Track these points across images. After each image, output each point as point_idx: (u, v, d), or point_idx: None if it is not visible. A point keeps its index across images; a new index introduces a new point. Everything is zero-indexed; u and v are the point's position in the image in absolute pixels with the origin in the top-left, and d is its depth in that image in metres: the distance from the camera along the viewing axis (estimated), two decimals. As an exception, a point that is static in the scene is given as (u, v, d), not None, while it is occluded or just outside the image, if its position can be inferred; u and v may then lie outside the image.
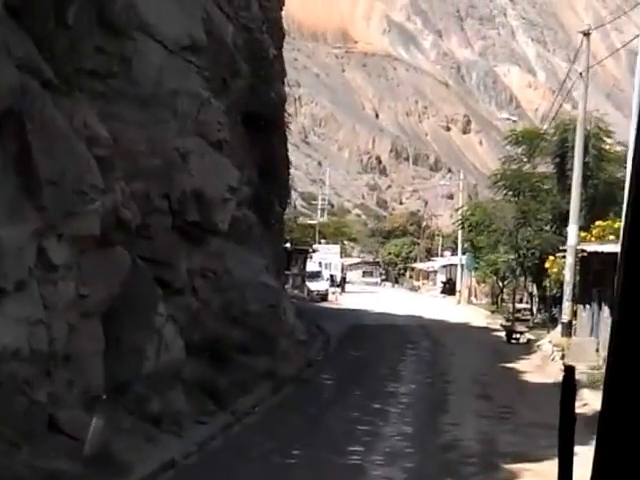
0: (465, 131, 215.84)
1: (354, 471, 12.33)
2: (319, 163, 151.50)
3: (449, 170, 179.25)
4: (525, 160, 38.36)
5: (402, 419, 16.47)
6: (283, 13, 33.53)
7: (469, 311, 48.61)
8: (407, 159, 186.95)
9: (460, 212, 47.29)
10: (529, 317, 38.73)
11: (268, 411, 17.30)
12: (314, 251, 61.53)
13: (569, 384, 2.04)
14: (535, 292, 40.04)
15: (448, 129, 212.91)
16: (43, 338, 12.07)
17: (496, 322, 38.17)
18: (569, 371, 2.08)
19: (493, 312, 45.44)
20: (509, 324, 32.89)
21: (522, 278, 41.00)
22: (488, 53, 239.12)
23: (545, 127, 38.63)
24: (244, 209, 24.53)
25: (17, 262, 11.61)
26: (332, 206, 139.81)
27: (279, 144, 29.02)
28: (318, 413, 16.80)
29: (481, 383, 21.04)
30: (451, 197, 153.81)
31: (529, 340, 30.49)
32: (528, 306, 41.16)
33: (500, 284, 46.81)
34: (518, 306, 40.31)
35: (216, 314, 20.81)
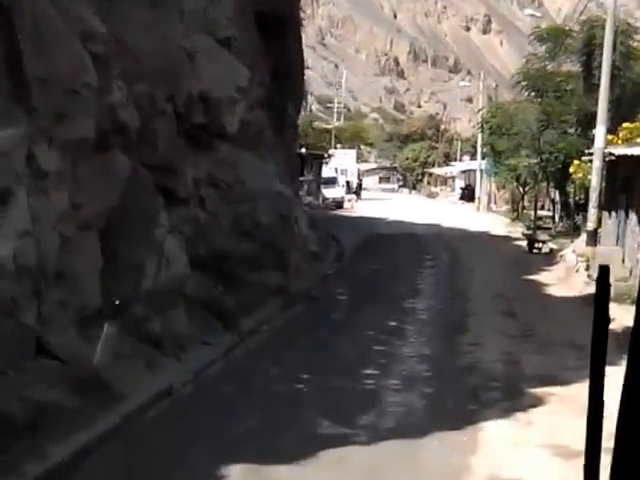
0: (485, 31, 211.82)
1: (368, 398, 11.43)
2: (336, 66, 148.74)
3: (469, 72, 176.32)
4: (549, 59, 36.58)
5: (419, 338, 15.55)
6: None
7: (489, 219, 47.40)
8: (425, 61, 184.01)
9: (480, 114, 45.53)
10: (551, 225, 37.60)
11: (276, 331, 16.43)
12: (329, 156, 60.10)
13: (603, 285, 1.89)
14: (558, 199, 38.66)
15: (468, 29, 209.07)
16: (31, 253, 11.08)
17: (517, 230, 37.06)
18: (604, 271, 1.93)
19: (513, 220, 44.27)
20: (531, 233, 31.81)
21: (544, 184, 39.67)
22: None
23: (571, 25, 36.75)
24: (255, 112, 23.30)
25: (3, 169, 10.57)
26: (349, 110, 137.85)
27: (293, 45, 27.51)
28: (330, 333, 15.91)
29: (503, 298, 20.04)
30: (470, 100, 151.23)
31: (552, 250, 29.42)
32: (550, 214, 39.85)
33: (521, 190, 45.43)
34: (540, 213, 39.00)
35: (225, 227, 19.81)
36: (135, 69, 14.83)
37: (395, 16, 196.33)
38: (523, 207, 45.60)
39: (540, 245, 29.53)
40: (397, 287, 21.11)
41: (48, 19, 11.02)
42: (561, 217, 37.98)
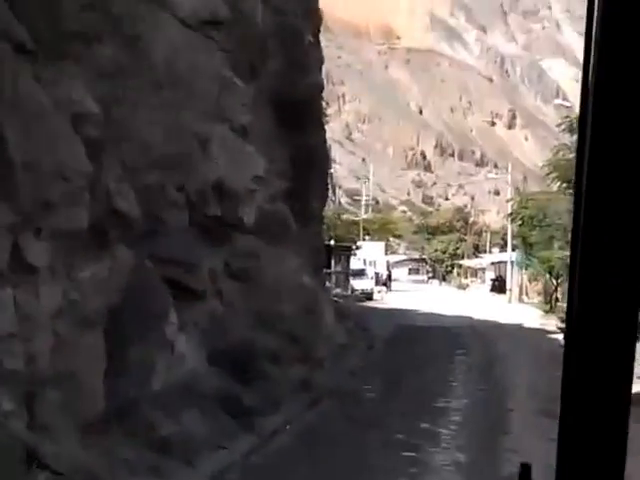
0: (510, 126, 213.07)
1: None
2: (363, 160, 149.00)
3: (495, 166, 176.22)
4: None
5: (454, 442, 14.06)
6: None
7: (521, 311, 45.74)
8: (452, 155, 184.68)
9: (510, 205, 44.47)
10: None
11: (301, 431, 15.01)
12: (357, 248, 58.97)
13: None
14: None
15: (493, 124, 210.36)
16: (19, 355, 9.91)
17: (550, 323, 35.45)
18: (525, 470, 1.69)
19: (547, 312, 42.61)
20: (567, 326, 30.21)
21: None
22: (533, 47, 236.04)
23: None
24: (277, 203, 22.30)
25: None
26: (377, 203, 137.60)
27: (316, 135, 26.62)
28: (357, 435, 14.47)
29: (543, 397, 18.47)
30: (498, 193, 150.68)
31: (589, 343, 27.79)
32: None
33: (554, 282, 43.87)
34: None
35: (245, 320, 18.58)
36: (141, 155, 13.87)
37: (421, 112, 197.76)
38: (556, 299, 43.94)
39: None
40: (429, 383, 19.64)
41: (33, 99, 9.97)
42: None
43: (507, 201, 53.12)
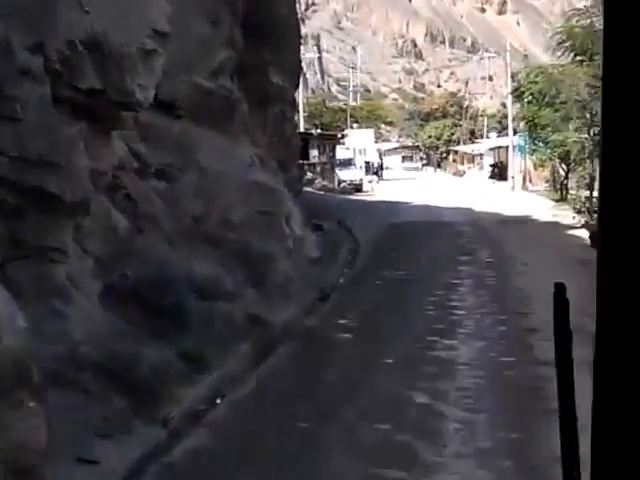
0: (501, 12, 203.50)
1: None
2: (353, 48, 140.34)
3: (487, 51, 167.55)
4: (597, 14, 28.49)
5: (467, 429, 8.25)
6: None
7: (528, 200, 39.24)
8: (443, 42, 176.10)
9: (517, 79, 37.01)
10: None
11: (236, 411, 9.25)
12: (343, 136, 52.24)
13: (561, 302, 1.63)
14: None
15: (483, 10, 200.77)
16: None
17: (565, 215, 29.43)
18: (560, 289, 1.62)
19: (558, 202, 36.30)
20: (594, 223, 24.09)
21: (588, 160, 31.55)
22: None
23: None
24: (221, 79, 15.89)
25: None
26: (368, 91, 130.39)
27: None
28: (319, 418, 8.67)
29: (584, 330, 12.58)
30: (491, 78, 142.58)
31: (621, 243, 21.73)
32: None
33: (564, 168, 37.26)
34: (587, 194, 31.09)
35: (167, 234, 12.53)
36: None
37: (410, 0, 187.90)
38: (566, 187, 37.41)
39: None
40: (426, 312, 13.72)
41: None
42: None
43: (511, 76, 45.91)
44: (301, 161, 27.84)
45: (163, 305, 10.84)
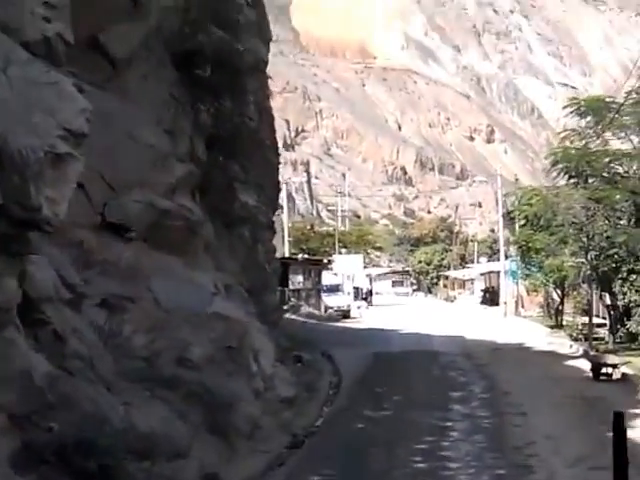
0: (489, 140, 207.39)
1: None
2: (343, 175, 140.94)
3: (475, 179, 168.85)
4: (592, 135, 27.25)
5: None
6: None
7: (521, 327, 37.30)
8: (432, 169, 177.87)
9: (510, 201, 35.36)
10: (605, 336, 27.84)
11: None
12: (330, 262, 50.58)
13: (619, 431, 1.95)
14: (608, 301, 28.47)
15: (472, 139, 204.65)
16: None
17: (562, 343, 27.50)
18: (618, 417, 1.91)
19: (553, 328, 34.33)
20: (596, 354, 22.09)
21: (585, 285, 29.75)
22: (507, 66, 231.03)
23: (622, 97, 27.15)
24: (181, 197, 14.16)
25: None
26: (359, 217, 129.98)
27: (246, 105, 18.07)
28: None
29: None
30: (480, 205, 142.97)
31: (625, 375, 19.77)
32: (601, 321, 29.51)
33: (559, 293, 35.39)
34: (584, 321, 29.21)
35: (105, 377, 10.53)
36: None
37: (400, 127, 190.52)
38: (561, 312, 35.44)
39: (609, 370, 19.80)
40: (415, 469, 11.59)
41: None
42: (616, 325, 27.73)
43: (504, 195, 44.41)
44: (281, 287, 26.01)
45: (89, 468, 8.78)
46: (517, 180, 73.35)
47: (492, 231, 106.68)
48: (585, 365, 21.06)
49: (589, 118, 27.48)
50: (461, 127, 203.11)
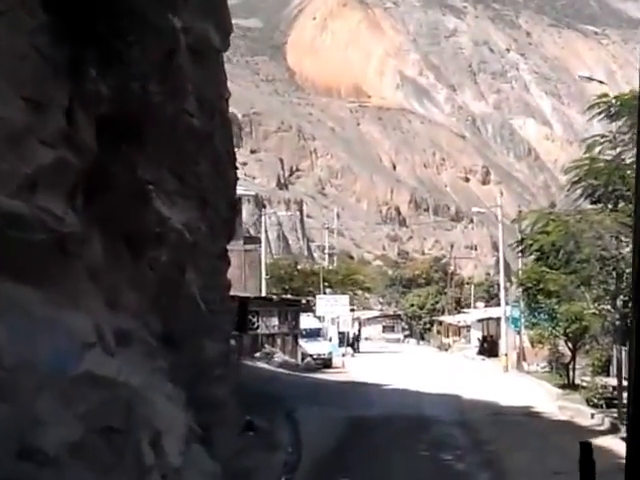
0: (485, 182, 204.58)
1: None
2: (337, 215, 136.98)
3: (471, 221, 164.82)
4: (628, 142, 20.08)
5: None
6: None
7: (526, 385, 32.08)
8: (427, 210, 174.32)
9: (523, 225, 27.69)
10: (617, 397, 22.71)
11: None
12: (309, 302, 45.57)
13: (587, 463, 1.98)
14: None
15: (467, 180, 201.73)
16: None
17: (577, 409, 22.58)
18: (585, 448, 1.96)
19: (563, 388, 29.07)
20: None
21: (608, 339, 24.20)
22: (503, 106, 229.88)
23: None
24: (46, 198, 9.24)
25: None
26: (352, 258, 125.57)
27: (189, 97, 13.34)
28: None
29: None
30: (475, 248, 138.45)
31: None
32: (626, 383, 24.44)
33: (569, 347, 29.99)
34: (606, 382, 24.30)
35: None
36: None
37: (394, 167, 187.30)
38: (571, 369, 30.17)
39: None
40: None
41: None
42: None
43: (512, 221, 38.79)
44: (237, 333, 21.18)
45: None
46: (514, 220, 68.94)
47: (488, 274, 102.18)
48: (619, 446, 16.08)
49: (622, 121, 20.89)
50: (456, 167, 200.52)
